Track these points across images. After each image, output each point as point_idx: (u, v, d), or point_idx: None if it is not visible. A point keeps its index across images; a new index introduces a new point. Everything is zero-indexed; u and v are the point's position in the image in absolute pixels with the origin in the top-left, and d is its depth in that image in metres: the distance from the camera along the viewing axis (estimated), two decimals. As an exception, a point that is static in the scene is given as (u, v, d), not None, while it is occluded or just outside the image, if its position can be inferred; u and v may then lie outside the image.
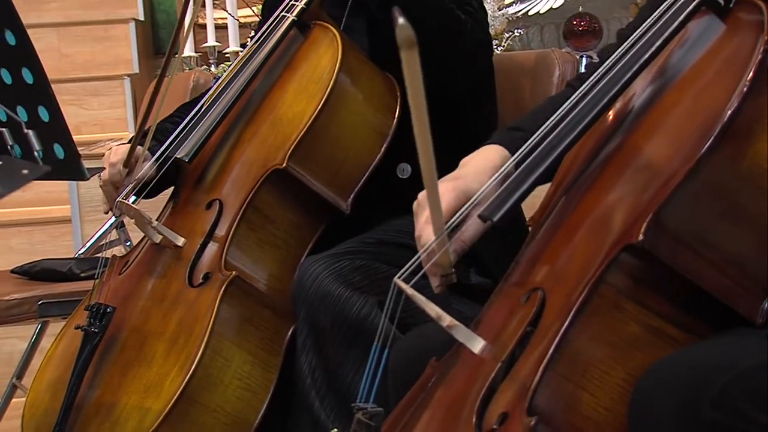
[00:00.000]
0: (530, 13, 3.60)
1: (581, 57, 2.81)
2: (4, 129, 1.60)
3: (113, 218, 3.20)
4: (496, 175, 1.67)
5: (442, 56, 2.35)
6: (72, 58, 5.29)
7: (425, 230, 1.69)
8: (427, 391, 1.63)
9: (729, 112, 1.33)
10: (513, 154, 1.70)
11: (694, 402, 1.29)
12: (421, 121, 1.38)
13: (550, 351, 1.35)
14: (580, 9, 3.59)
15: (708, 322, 1.39)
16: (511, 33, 3.66)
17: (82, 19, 5.35)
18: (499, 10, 3.63)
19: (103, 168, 2.54)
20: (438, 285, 1.65)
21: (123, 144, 2.56)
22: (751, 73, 1.33)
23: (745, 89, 1.33)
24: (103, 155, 2.57)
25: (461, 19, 2.37)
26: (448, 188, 1.70)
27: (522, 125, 1.84)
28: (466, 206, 1.66)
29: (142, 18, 5.43)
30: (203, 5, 4.57)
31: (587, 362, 1.36)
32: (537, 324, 1.45)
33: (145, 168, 2.45)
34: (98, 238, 3.37)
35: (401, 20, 1.25)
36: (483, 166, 1.77)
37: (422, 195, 1.74)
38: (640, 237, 1.33)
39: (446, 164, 1.74)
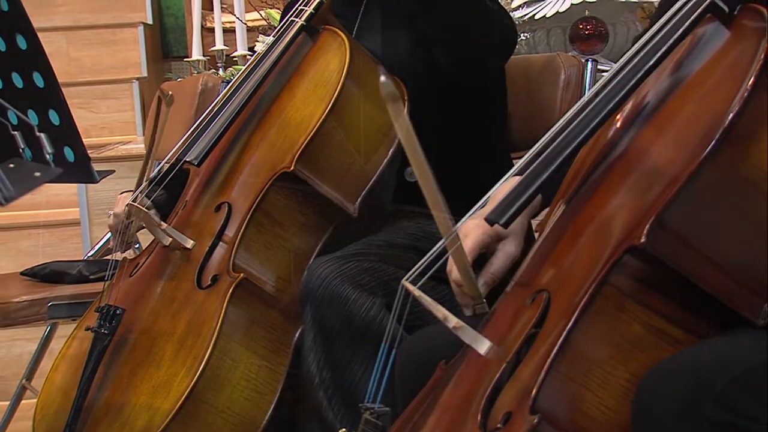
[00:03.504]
0: (537, 17, 3.60)
1: (587, 61, 2.81)
2: (16, 132, 1.62)
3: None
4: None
5: (475, 45, 2.37)
6: (81, 62, 5.30)
7: (455, 267, 1.72)
8: (434, 393, 1.65)
9: (731, 115, 1.34)
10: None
11: (696, 401, 1.30)
12: (422, 169, 1.45)
13: (554, 351, 1.36)
14: (587, 13, 3.59)
15: (710, 323, 1.40)
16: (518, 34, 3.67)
17: (90, 23, 5.36)
18: (506, 14, 3.63)
19: (113, 170, 2.56)
20: (471, 314, 1.69)
21: (129, 192, 2.59)
22: (752, 78, 1.35)
23: (746, 93, 1.34)
24: (111, 158, 2.59)
25: (488, 7, 2.39)
26: (474, 224, 1.75)
27: None
28: None
29: (150, 22, 5.44)
30: (211, 9, 4.58)
31: (591, 362, 1.37)
32: (542, 325, 1.46)
33: (151, 213, 2.47)
34: (107, 240, 3.39)
35: (383, 78, 1.31)
36: None
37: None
38: (643, 239, 1.34)
39: (460, 165, 1.77)
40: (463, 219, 1.70)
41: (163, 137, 2.62)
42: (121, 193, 2.69)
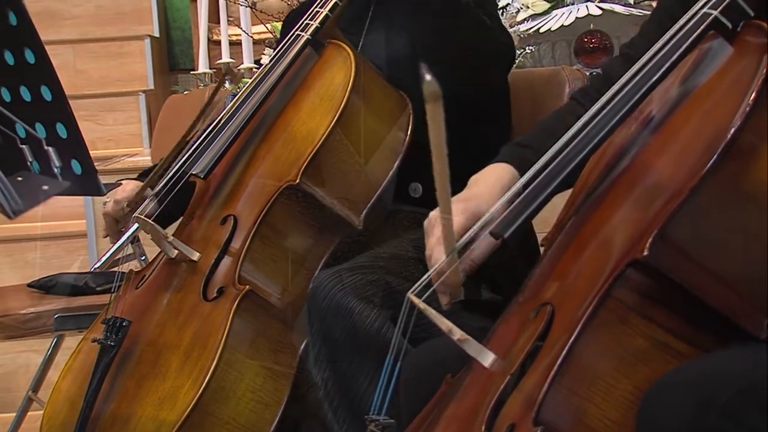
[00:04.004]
0: (541, 30, 3.61)
1: (592, 74, 2.82)
2: (24, 146, 1.63)
3: (129, 233, 3.24)
4: (504, 197, 1.69)
5: (472, 60, 2.38)
6: (88, 75, 5.32)
7: (436, 249, 1.72)
8: (440, 406, 1.65)
9: (732, 130, 1.35)
10: (521, 173, 1.74)
11: (701, 414, 1.31)
12: (442, 166, 1.46)
13: (557, 364, 1.37)
14: (592, 26, 3.60)
15: (713, 336, 1.40)
16: (522, 50, 3.68)
17: (97, 36, 5.38)
18: (511, 27, 3.65)
19: (120, 183, 2.57)
20: (446, 303, 1.69)
21: (132, 180, 2.60)
22: (753, 93, 1.36)
23: (748, 108, 1.35)
24: (118, 170, 2.60)
25: (487, 23, 2.40)
26: (459, 210, 1.73)
27: (530, 142, 1.87)
28: (475, 227, 1.69)
29: (157, 35, 5.46)
30: (217, 22, 4.60)
31: (594, 375, 1.38)
32: (546, 338, 1.47)
33: (150, 208, 2.49)
34: (114, 252, 3.39)
35: (428, 77, 1.30)
36: (492, 186, 1.81)
37: (434, 214, 1.77)
38: (645, 252, 1.35)
39: (459, 175, 1.78)
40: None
41: (168, 149, 2.64)
42: (122, 179, 2.68)
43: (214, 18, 4.77)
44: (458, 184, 1.79)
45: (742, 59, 1.47)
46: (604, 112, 1.58)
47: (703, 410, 1.31)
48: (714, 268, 1.37)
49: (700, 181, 1.35)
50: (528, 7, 3.72)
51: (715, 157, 1.35)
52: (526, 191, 1.61)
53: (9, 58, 1.68)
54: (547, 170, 1.59)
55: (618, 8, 3.61)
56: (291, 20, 2.69)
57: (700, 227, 1.37)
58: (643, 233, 1.37)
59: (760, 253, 1.37)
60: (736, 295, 1.37)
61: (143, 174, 2.75)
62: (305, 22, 2.49)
